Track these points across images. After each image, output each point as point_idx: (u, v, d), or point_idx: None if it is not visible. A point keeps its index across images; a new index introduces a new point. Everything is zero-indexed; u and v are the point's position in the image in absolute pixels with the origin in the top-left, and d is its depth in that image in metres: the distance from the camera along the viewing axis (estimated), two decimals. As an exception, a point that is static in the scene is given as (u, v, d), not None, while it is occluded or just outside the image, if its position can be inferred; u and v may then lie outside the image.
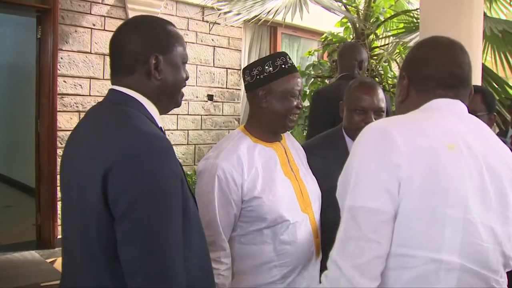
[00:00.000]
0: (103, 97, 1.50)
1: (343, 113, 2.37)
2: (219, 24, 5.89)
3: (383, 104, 2.30)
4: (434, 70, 1.43)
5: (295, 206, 1.99)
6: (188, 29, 5.97)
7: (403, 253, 1.22)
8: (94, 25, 5.09)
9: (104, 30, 5.14)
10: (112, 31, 1.60)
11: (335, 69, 5.30)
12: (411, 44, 4.14)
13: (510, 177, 1.33)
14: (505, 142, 1.65)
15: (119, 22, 5.21)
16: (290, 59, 2.03)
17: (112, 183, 1.26)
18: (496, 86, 3.86)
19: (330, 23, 5.74)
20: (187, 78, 1.56)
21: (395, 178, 1.21)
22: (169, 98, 1.52)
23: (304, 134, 4.91)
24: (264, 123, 2.03)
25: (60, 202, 4.79)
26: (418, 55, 1.50)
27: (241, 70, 2.15)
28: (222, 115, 6.49)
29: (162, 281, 1.26)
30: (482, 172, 1.28)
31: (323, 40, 5.81)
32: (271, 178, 1.97)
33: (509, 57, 3.88)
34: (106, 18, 5.17)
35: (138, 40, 1.44)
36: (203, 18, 6.05)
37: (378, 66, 5.30)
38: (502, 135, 3.71)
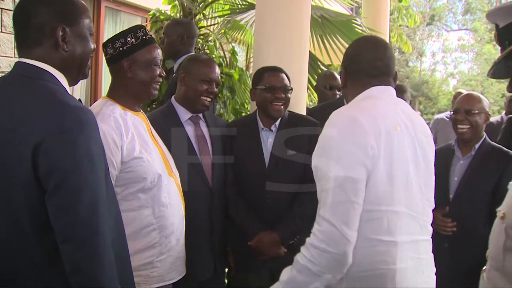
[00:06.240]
0: None
1: None
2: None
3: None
4: (363, 64, 1.87)
5: (164, 170, 2.13)
6: (4, -4, 5.52)
7: (370, 209, 1.68)
8: None
9: None
10: None
11: (161, 45, 5.46)
12: (242, 22, 4.43)
13: (428, 143, 1.85)
14: None
15: None
16: (148, 31, 2.15)
17: (44, 156, 1.30)
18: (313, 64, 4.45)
19: (156, 0, 5.83)
20: (94, 49, 1.61)
21: (369, 156, 1.65)
22: (77, 69, 1.56)
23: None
24: (130, 93, 2.12)
25: None
26: (351, 52, 1.96)
27: (102, 44, 2.23)
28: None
29: (93, 243, 1.36)
30: (415, 144, 1.79)
31: (151, 16, 5.87)
32: (145, 141, 2.08)
33: (325, 40, 4.50)
34: None
35: (44, 12, 1.45)
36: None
37: (204, 45, 5.60)
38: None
